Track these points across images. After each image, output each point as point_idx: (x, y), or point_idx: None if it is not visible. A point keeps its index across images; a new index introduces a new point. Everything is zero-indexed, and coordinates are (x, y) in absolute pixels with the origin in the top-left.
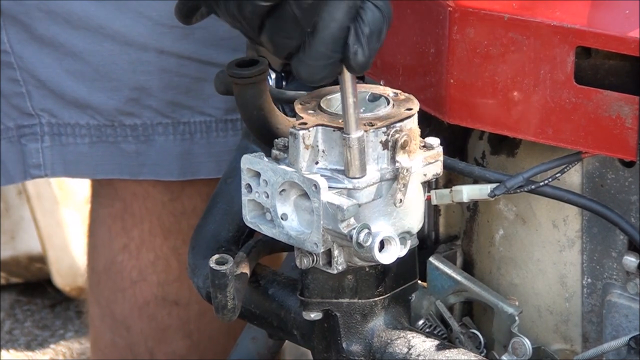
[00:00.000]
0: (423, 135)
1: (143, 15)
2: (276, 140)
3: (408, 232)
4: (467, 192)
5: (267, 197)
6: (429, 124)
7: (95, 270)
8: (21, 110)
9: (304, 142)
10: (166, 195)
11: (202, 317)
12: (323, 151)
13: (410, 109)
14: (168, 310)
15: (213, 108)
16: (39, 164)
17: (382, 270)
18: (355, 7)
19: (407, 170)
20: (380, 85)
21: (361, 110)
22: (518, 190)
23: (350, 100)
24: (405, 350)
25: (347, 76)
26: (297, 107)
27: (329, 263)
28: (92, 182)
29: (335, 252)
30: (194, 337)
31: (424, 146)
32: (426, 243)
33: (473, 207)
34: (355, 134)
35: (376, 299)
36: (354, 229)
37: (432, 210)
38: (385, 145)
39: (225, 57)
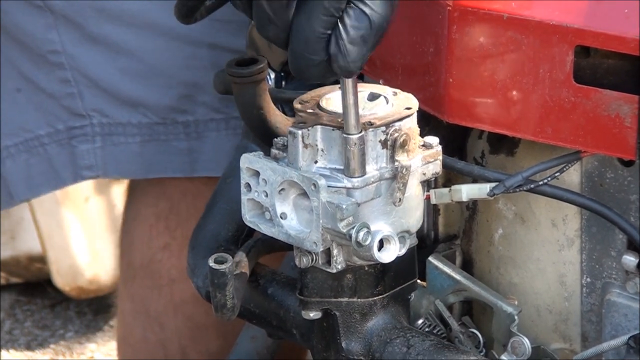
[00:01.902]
0: (422, 135)
1: None
2: (275, 139)
3: (407, 231)
4: (467, 191)
5: (267, 196)
6: (428, 123)
7: (132, 266)
8: (72, 111)
9: (303, 141)
10: None
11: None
12: (322, 150)
13: (409, 108)
14: (205, 308)
15: None
16: (91, 165)
17: (382, 270)
18: (335, 11)
19: (406, 169)
20: (379, 84)
21: (360, 110)
22: (517, 190)
23: (351, 99)
24: (405, 349)
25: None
26: (297, 106)
27: (328, 262)
28: (133, 180)
29: (335, 251)
30: (229, 337)
31: (423, 145)
32: (425, 242)
33: (472, 206)
34: (355, 134)
35: (375, 298)
36: (353, 228)
37: (432, 210)
38: (384, 144)
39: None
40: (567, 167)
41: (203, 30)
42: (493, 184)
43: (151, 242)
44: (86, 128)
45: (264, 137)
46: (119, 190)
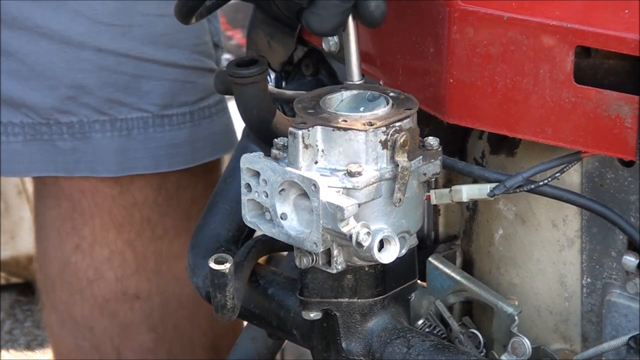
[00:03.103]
0: (422, 135)
1: (81, 14)
2: (276, 139)
3: (407, 232)
4: (467, 192)
5: (267, 196)
6: (428, 124)
7: (49, 276)
8: None
9: (303, 142)
10: (115, 189)
11: (164, 308)
12: (322, 151)
13: (410, 109)
14: (130, 304)
15: (150, 104)
16: None
17: (382, 270)
18: None
19: (407, 169)
20: (380, 84)
21: (360, 110)
22: (517, 190)
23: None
24: (405, 349)
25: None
26: (297, 107)
27: (329, 262)
28: (36, 185)
29: (335, 252)
30: (159, 329)
31: (423, 146)
32: (426, 243)
33: (472, 206)
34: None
35: (375, 298)
36: (354, 228)
37: (432, 210)
38: (384, 144)
39: (162, 54)
40: (567, 168)
41: (86, 33)
42: (493, 185)
43: (62, 245)
44: None
45: (264, 137)
46: None
